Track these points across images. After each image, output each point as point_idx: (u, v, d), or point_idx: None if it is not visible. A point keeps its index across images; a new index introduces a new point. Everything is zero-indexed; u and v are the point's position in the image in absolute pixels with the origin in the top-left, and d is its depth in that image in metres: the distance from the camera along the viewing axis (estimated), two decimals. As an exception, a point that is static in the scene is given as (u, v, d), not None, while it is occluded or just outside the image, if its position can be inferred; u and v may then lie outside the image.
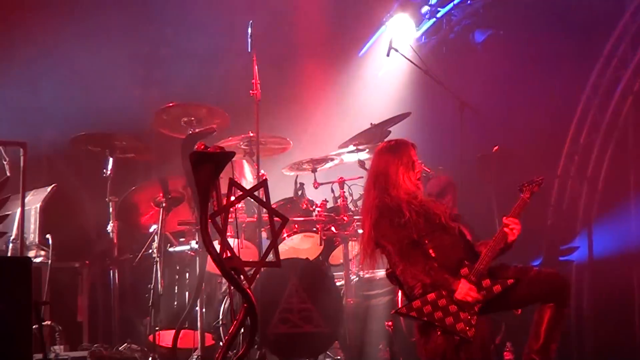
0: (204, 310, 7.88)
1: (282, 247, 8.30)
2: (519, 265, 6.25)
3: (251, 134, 8.18)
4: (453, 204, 8.23)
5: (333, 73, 10.74)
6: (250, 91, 7.95)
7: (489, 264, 6.06)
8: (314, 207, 8.41)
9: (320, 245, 8.34)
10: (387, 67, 10.48)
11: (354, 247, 8.56)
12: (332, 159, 8.73)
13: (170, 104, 8.33)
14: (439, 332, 6.01)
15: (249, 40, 8.01)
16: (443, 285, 6.00)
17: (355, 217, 8.34)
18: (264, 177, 7.99)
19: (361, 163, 8.47)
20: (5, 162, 7.51)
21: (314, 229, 8.34)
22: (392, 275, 6.31)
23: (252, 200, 6.90)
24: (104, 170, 8.30)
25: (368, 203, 6.37)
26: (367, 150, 8.43)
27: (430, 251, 6.12)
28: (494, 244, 6.10)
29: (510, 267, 6.20)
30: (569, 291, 6.24)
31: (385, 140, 6.81)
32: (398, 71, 10.36)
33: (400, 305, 6.70)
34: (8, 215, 7.48)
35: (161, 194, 8.16)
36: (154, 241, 8.06)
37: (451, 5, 10.71)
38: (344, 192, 8.48)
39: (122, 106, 9.49)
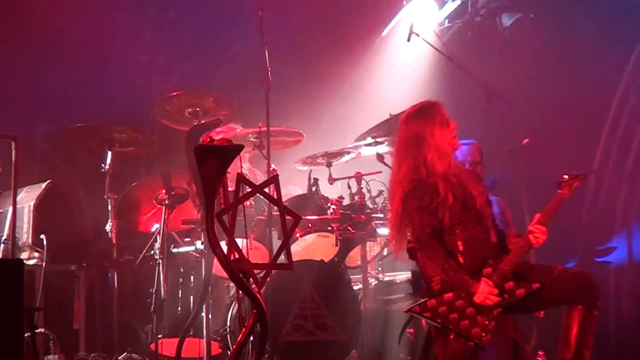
0: (210, 316, 7.85)
1: (294, 248, 8.31)
2: (543, 264, 6.19)
3: (261, 126, 8.14)
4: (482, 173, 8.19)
5: (349, 60, 10.70)
6: (260, 79, 7.91)
7: (515, 266, 5.99)
8: (328, 204, 8.37)
9: (336, 245, 8.31)
10: (407, 53, 10.43)
11: (373, 248, 8.54)
12: (348, 153, 8.70)
13: (174, 94, 8.32)
14: (451, 336, 5.95)
15: (259, 24, 7.97)
16: (461, 287, 5.95)
17: (373, 216, 8.31)
18: (275, 172, 7.96)
19: (380, 157, 8.43)
20: (-5, 157, 7.50)
21: (329, 228, 8.30)
22: (414, 251, 6.23)
23: (262, 197, 6.87)
24: (102, 165, 8.28)
25: (400, 174, 6.22)
26: (387, 142, 8.38)
27: (459, 243, 6.04)
28: (522, 245, 6.04)
29: (533, 266, 6.16)
30: (598, 290, 6.10)
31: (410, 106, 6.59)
32: (419, 58, 10.34)
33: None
34: (-1, 213, 7.48)
35: (164, 191, 8.15)
36: (156, 241, 8.04)
37: (477, -14, 10.67)
38: (362, 188, 8.45)
39: (121, 96, 9.50)
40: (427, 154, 6.14)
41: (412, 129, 6.24)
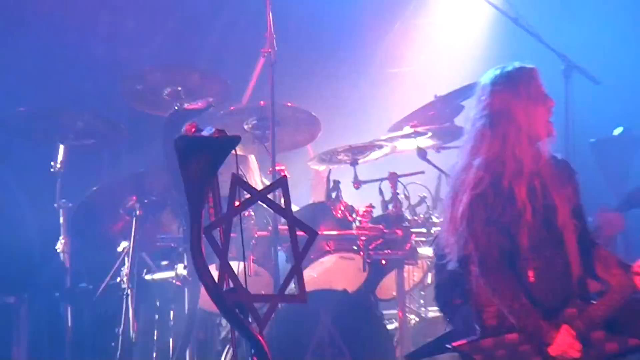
0: (196, 364, 7.86)
1: (308, 274, 8.25)
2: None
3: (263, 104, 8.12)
4: None
5: (381, 24, 10.68)
6: (263, 49, 7.87)
7: (610, 313, 5.87)
8: (354, 215, 8.34)
9: (364, 271, 8.28)
10: (457, 14, 10.43)
11: (412, 274, 8.49)
12: (379, 147, 8.67)
13: (147, 68, 8.37)
14: None
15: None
16: (533, 333, 5.87)
17: (413, 230, 8.30)
18: (283, 173, 7.91)
19: (422, 152, 8.45)
20: None
21: (355, 247, 8.27)
22: (466, 261, 6.10)
23: (265, 206, 6.82)
24: (52, 164, 8.31)
25: (476, 161, 6.05)
26: (430, 134, 8.33)
27: (530, 274, 5.96)
28: (624, 286, 5.92)
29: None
30: None
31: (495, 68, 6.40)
32: (474, 20, 10.31)
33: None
34: None
35: (134, 198, 8.11)
36: (123, 265, 8.02)
37: None
38: (398, 193, 8.42)
39: (78, 71, 9.49)
40: (515, 142, 6.02)
41: (498, 101, 6.12)
